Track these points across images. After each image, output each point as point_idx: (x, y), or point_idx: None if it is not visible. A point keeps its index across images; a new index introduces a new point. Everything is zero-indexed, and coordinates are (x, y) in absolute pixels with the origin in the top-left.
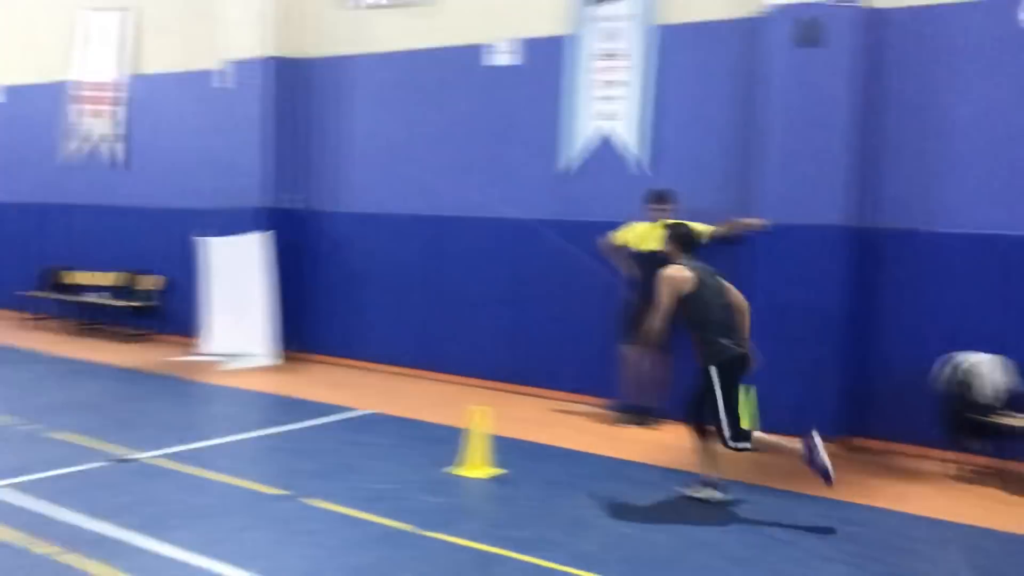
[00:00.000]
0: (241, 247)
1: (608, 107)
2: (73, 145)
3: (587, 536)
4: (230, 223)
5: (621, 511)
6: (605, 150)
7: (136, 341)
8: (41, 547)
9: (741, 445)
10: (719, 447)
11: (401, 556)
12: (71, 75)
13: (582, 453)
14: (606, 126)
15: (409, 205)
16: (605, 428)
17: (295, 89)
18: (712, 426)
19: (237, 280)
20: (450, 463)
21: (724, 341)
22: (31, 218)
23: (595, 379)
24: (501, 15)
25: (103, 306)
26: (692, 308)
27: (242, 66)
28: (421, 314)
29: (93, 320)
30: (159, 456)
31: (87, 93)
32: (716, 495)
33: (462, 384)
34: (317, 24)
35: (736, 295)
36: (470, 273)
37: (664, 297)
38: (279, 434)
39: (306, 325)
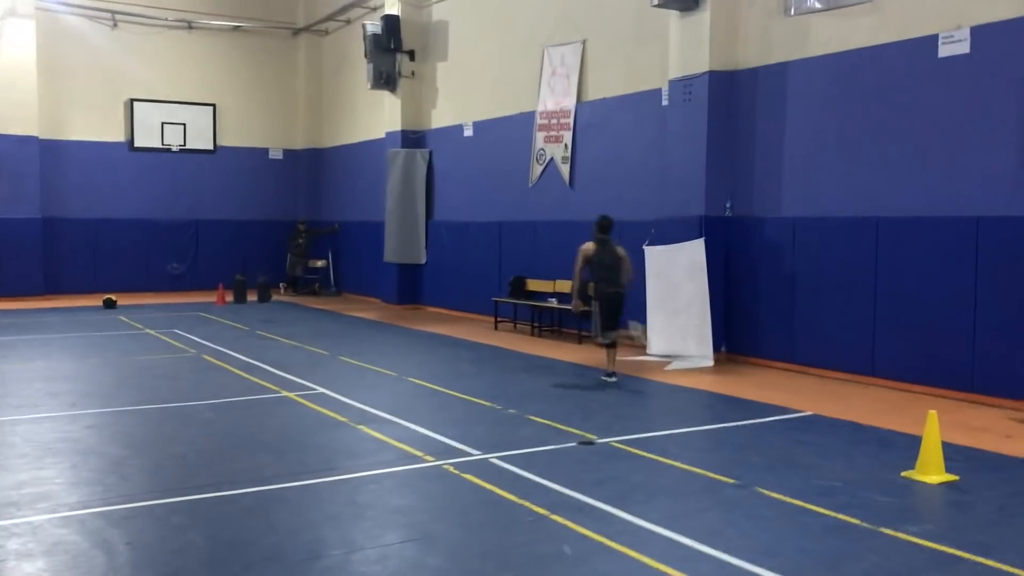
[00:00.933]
0: (678, 254)
1: None
2: (536, 168)
3: None
4: (669, 232)
5: None
6: None
7: (583, 341)
8: (534, 507)
9: (601, 340)
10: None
11: (855, 547)
12: (536, 106)
13: None
14: None
15: (848, 207)
16: None
17: (733, 100)
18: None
19: (676, 285)
20: (899, 466)
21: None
22: (500, 234)
23: None
24: (949, 4)
25: (555, 310)
26: (591, 267)
27: (685, 83)
28: (861, 318)
29: (548, 323)
30: (618, 441)
31: (546, 121)
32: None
33: (905, 390)
34: (755, 35)
35: (623, 260)
36: (917, 275)
37: (578, 261)
38: (724, 429)
39: (740, 328)
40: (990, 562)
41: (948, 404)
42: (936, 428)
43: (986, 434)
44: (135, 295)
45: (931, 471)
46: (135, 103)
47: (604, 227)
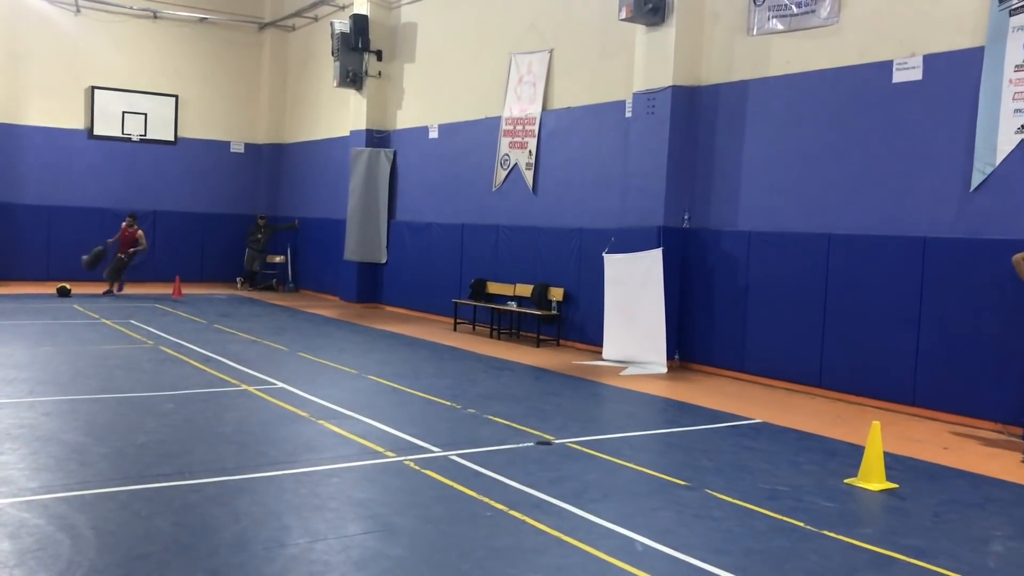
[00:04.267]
0: (636, 263)
1: None
2: (500, 173)
3: (988, 553)
4: (628, 241)
5: None
6: (1020, 165)
7: (542, 345)
8: (493, 503)
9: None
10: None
11: (799, 547)
12: (502, 112)
13: (984, 476)
14: (1022, 140)
15: (802, 223)
16: (1012, 455)
17: (695, 115)
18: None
19: (633, 294)
20: (842, 474)
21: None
22: (462, 236)
23: (997, 404)
24: (905, 33)
25: (515, 313)
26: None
27: (649, 96)
28: (810, 331)
29: (507, 326)
30: (574, 442)
31: (512, 127)
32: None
33: (850, 402)
34: (718, 53)
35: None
36: (865, 291)
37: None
38: (676, 433)
39: (693, 337)
40: (923, 563)
41: (891, 416)
42: (879, 438)
43: (925, 445)
44: (89, 284)
45: (872, 479)
46: (96, 91)
47: (134, 219)
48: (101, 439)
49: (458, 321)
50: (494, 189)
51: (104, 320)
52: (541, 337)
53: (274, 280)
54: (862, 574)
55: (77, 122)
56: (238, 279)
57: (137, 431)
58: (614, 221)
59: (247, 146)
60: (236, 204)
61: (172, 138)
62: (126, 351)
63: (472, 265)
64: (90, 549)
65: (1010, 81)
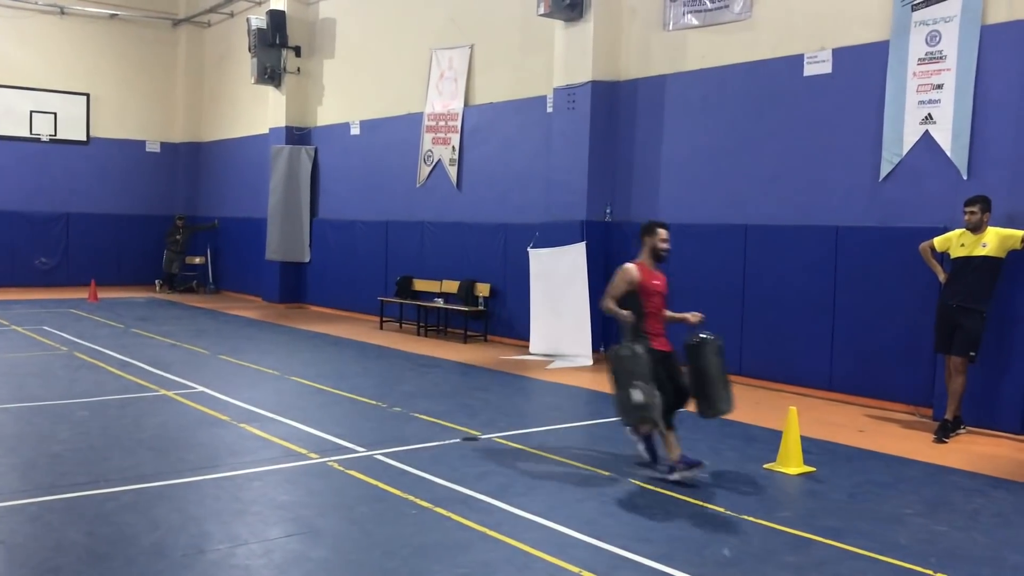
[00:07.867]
0: (560, 257)
1: (928, 111)
2: (424, 169)
3: (900, 531)
4: (552, 235)
5: (938, 512)
6: (925, 155)
7: (470, 341)
8: (418, 501)
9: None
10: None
11: (720, 533)
12: (424, 107)
13: (897, 457)
14: (926, 131)
15: (719, 215)
16: (924, 436)
17: (615, 109)
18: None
19: (558, 288)
20: (762, 459)
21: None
22: (386, 234)
23: (910, 387)
24: (814, 27)
25: (443, 310)
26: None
27: (569, 91)
28: (730, 320)
29: (434, 322)
30: (501, 437)
31: (435, 123)
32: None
33: (771, 388)
34: (636, 48)
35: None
36: (781, 280)
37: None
38: (600, 425)
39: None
40: (838, 544)
41: (809, 401)
42: (796, 424)
43: (842, 429)
44: (10, 290)
45: (791, 463)
46: (0, 89)
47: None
48: (11, 450)
49: (384, 319)
50: (418, 185)
51: (14, 327)
52: (468, 333)
53: (194, 282)
54: (780, 556)
55: None
56: (157, 281)
57: (50, 440)
58: (538, 216)
59: (163, 145)
60: (153, 205)
61: (84, 138)
62: (38, 358)
63: (397, 262)
64: None
65: (914, 74)
